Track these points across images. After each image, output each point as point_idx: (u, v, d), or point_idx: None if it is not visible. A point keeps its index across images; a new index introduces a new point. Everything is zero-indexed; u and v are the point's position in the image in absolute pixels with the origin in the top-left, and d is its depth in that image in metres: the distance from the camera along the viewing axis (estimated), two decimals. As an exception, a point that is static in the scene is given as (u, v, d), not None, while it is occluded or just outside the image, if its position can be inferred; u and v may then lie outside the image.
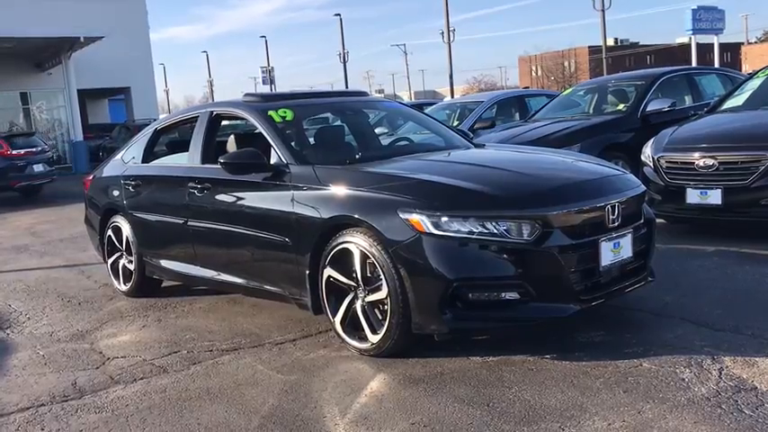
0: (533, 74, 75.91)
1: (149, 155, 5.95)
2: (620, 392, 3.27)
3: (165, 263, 5.56)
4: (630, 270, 4.12)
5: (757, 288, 4.77)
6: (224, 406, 3.52)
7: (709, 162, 6.00)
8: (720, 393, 3.19)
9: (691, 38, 32.37)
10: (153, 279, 5.87)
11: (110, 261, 6.19)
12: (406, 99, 67.96)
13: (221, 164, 4.55)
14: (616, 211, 3.90)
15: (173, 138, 6.18)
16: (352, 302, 4.04)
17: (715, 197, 5.96)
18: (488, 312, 3.71)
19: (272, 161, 4.56)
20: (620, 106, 8.67)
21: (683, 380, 3.35)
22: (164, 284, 6.04)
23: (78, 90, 26.11)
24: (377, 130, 5.91)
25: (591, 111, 9.29)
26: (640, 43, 79.18)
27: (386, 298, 3.80)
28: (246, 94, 5.30)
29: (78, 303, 5.99)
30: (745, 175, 5.82)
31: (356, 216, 3.91)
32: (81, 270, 7.42)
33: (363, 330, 3.97)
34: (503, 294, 3.66)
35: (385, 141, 5.47)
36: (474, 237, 3.61)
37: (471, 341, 4.05)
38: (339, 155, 4.70)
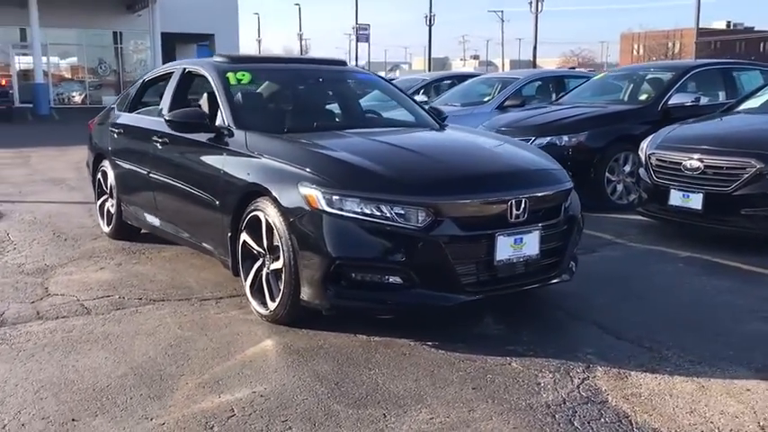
0: (635, 52, 72.95)
1: (136, 105, 6.18)
2: (468, 389, 3.26)
3: (135, 210, 5.81)
4: (542, 266, 4.04)
5: (697, 301, 4.59)
6: (108, 352, 3.71)
7: (695, 164, 5.74)
8: (565, 402, 3.13)
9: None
10: (131, 224, 6.13)
11: (98, 202, 6.51)
12: (498, 67, 66.67)
13: (166, 121, 4.70)
14: (522, 207, 3.82)
15: (158, 90, 6.37)
16: (260, 269, 4.15)
17: (696, 201, 5.71)
18: (370, 293, 3.74)
19: (217, 122, 4.67)
20: (644, 97, 8.32)
21: (539, 384, 3.31)
22: (143, 230, 6.30)
23: (167, 34, 27.04)
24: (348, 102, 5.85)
25: (625, 98, 8.95)
26: (756, 29, 74.60)
27: (282, 268, 3.89)
28: (218, 54, 5.42)
29: (64, 240, 6.34)
30: (727, 182, 5.54)
31: (264, 185, 4.00)
32: (89, 208, 7.78)
33: (265, 297, 4.08)
34: (386, 277, 3.68)
35: (344, 113, 5.46)
36: (363, 218, 3.63)
37: (373, 320, 4.07)
38: (279, 123, 4.77)
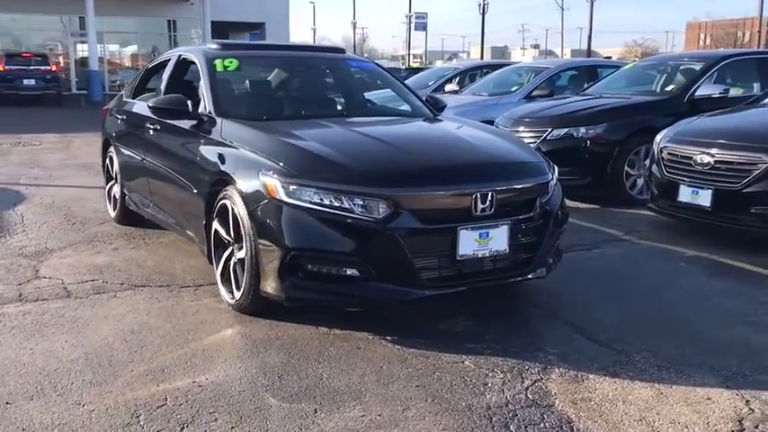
0: (701, 42, 70.54)
1: (140, 92, 6.23)
2: (412, 386, 3.16)
3: (136, 196, 5.87)
4: (513, 262, 3.89)
5: (687, 303, 4.37)
6: (69, 336, 3.74)
7: (705, 159, 5.47)
8: (507, 405, 3.01)
9: None
10: (133, 209, 6.19)
11: (107, 187, 6.61)
12: (558, 56, 65.21)
13: (149, 107, 4.71)
14: (488, 200, 3.68)
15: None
16: (229, 257, 4.12)
17: (705, 198, 5.45)
18: (327, 285, 3.66)
19: (200, 110, 4.66)
20: (670, 87, 7.99)
21: (486, 384, 3.19)
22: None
23: (219, 22, 27.35)
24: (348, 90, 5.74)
25: (657, 89, 8.61)
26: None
27: (245, 258, 3.85)
28: (214, 41, 5.40)
29: (73, 224, 6.45)
30: (738, 178, 5.26)
31: (230, 174, 3.96)
32: (108, 193, 7.94)
33: (232, 286, 4.06)
34: (342, 270, 3.60)
35: (332, 102, 5.37)
36: (320, 208, 3.56)
37: (339, 312, 3.99)
38: (259, 111, 4.70)
